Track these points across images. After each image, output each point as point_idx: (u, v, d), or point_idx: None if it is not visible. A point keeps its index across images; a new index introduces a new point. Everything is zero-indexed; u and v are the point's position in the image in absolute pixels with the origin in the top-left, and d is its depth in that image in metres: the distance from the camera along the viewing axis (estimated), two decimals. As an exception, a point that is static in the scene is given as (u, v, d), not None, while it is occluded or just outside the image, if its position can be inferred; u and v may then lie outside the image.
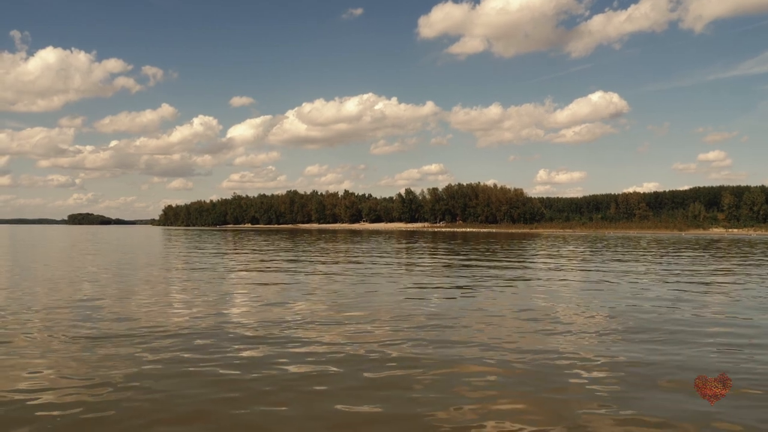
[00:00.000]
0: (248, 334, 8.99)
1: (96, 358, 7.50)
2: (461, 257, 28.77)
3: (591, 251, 35.63)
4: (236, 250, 34.88)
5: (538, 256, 30.06)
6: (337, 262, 24.51)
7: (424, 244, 46.42)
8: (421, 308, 11.54)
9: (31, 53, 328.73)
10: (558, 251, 35.45)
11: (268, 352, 7.81)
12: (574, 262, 25.96)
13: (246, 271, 20.50)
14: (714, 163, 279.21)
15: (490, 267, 22.39)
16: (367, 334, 8.94)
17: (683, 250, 37.55)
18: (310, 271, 20.37)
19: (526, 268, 22.46)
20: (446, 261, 26.09)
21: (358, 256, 28.86)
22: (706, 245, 48.05)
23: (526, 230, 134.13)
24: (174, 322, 9.99)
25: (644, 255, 31.71)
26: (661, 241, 60.85)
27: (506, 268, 22.07)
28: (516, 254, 31.97)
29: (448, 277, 18.52)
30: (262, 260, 25.90)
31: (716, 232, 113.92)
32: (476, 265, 23.13)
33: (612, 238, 73.70)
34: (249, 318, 10.42)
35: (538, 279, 17.80)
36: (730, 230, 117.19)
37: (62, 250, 34.27)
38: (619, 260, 26.83)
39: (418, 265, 23.28)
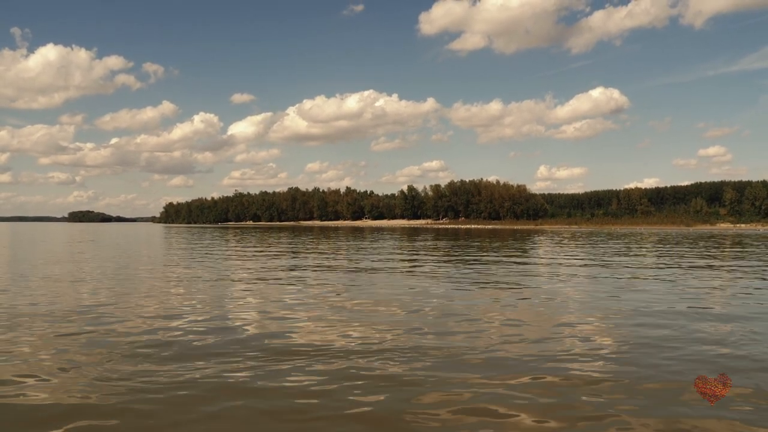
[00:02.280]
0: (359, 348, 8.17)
1: (173, 385, 6.25)
2: (501, 254, 28.78)
3: (627, 247, 35.65)
4: (259, 249, 34.86)
5: (580, 254, 30.06)
6: (376, 260, 24.52)
7: (445, 242, 46.41)
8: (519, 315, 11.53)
9: (31, 50, 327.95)
10: (594, 248, 35.49)
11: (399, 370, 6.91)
12: (646, 259, 25.92)
13: (283, 270, 20.40)
14: (714, 159, 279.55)
15: (542, 264, 22.39)
16: (468, 343, 8.92)
17: (733, 247, 37.58)
18: (356, 270, 20.31)
19: (586, 266, 22.07)
20: (493, 258, 26.10)
21: (389, 254, 28.90)
22: (737, 241, 48.12)
23: (531, 226, 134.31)
24: (251, 328, 9.77)
25: (702, 252, 31.74)
26: (684, 236, 60.93)
27: (559, 264, 22.13)
28: (549, 251, 32.02)
29: (525, 276, 18.50)
30: (291, 259, 25.90)
31: (723, 227, 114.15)
32: (527, 262, 23.14)
33: (626, 233, 73.86)
34: (337, 327, 9.93)
35: (616, 278, 17.41)
36: (737, 225, 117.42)
37: (81, 251, 34.23)
38: (679, 255, 26.91)
39: (463, 263, 23.27)
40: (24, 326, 9.26)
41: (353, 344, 8.14)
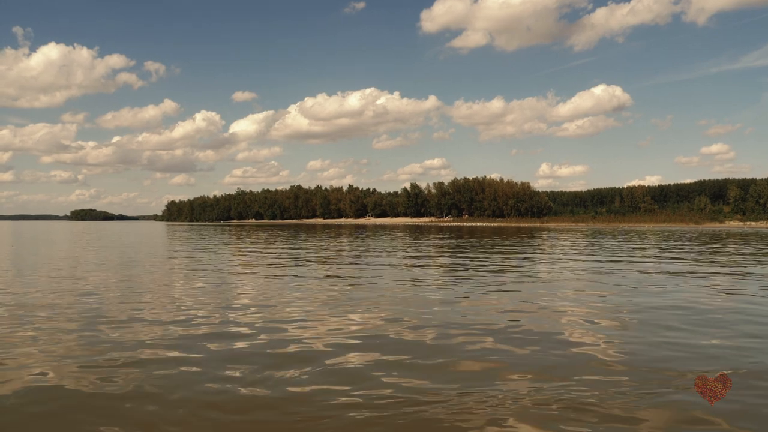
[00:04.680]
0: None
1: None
2: (529, 253, 28.46)
3: (678, 247, 35.22)
4: (284, 250, 34.58)
5: (624, 255, 29.71)
6: (424, 258, 24.24)
7: (463, 241, 46.11)
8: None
9: (33, 49, 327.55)
10: (631, 246, 35.17)
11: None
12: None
13: (325, 264, 20.11)
14: (717, 156, 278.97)
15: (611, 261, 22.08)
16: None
17: None
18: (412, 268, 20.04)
19: (632, 262, 21.72)
20: (533, 257, 25.80)
21: (422, 252, 28.63)
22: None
23: (537, 224, 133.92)
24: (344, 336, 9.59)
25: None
26: (709, 234, 60.59)
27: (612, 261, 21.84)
28: (580, 249, 31.70)
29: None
30: (327, 258, 25.62)
31: (734, 225, 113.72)
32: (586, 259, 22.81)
33: (641, 231, 73.50)
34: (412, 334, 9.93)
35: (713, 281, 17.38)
36: (747, 223, 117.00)
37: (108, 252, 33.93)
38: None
39: (495, 257, 22.99)
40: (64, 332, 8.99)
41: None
